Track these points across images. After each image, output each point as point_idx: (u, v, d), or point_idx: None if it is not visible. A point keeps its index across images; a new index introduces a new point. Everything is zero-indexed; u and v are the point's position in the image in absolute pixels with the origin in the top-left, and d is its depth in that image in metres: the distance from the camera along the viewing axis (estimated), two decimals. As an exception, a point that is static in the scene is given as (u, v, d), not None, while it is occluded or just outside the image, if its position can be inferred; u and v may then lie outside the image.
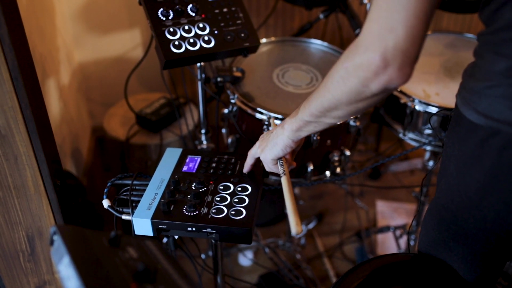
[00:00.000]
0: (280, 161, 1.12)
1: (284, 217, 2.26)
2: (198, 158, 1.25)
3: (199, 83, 1.58)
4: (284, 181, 1.07)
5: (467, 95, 0.94)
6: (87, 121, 2.57)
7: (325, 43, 1.85)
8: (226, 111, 1.61)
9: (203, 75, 1.56)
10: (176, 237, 1.49)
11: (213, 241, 1.19)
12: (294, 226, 0.94)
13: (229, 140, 1.64)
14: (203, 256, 2.03)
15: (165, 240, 1.70)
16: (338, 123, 1.49)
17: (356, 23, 1.92)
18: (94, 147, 2.55)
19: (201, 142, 1.72)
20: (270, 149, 1.12)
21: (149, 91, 2.54)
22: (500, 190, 0.93)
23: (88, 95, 2.55)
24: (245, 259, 2.12)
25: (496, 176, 0.93)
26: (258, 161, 1.21)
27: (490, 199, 0.95)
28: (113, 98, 2.45)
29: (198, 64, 1.52)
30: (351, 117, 1.54)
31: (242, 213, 1.06)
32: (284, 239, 2.16)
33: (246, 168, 1.21)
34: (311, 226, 2.29)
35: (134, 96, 2.32)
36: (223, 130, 1.74)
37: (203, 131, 1.71)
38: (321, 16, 2.04)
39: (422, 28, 0.80)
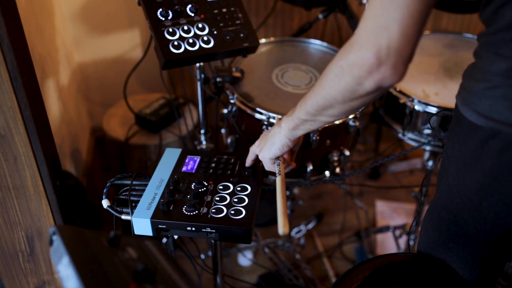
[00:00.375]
0: (278, 161, 1.13)
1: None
2: (197, 158, 1.25)
3: (199, 84, 1.58)
4: (278, 181, 1.09)
5: (467, 96, 0.94)
6: (86, 122, 2.57)
7: (324, 43, 1.85)
8: (225, 111, 1.61)
9: (202, 75, 1.56)
10: (175, 237, 1.49)
11: (212, 241, 1.19)
12: (282, 227, 0.97)
13: (229, 140, 1.64)
14: (202, 256, 2.03)
15: (164, 240, 1.70)
16: (335, 121, 1.49)
17: (355, 23, 1.93)
18: (94, 148, 2.55)
19: (201, 142, 1.72)
20: (268, 149, 1.12)
21: (148, 92, 2.54)
22: (500, 192, 0.93)
23: (88, 96, 2.55)
24: (245, 259, 2.12)
25: (496, 177, 0.92)
26: (258, 160, 1.21)
27: (490, 200, 0.95)
28: (112, 98, 2.45)
29: (197, 64, 1.52)
30: (350, 117, 1.54)
31: (241, 212, 1.07)
32: (283, 239, 2.16)
33: (248, 162, 1.22)
34: (310, 226, 2.29)
35: (133, 97, 2.32)
36: (223, 130, 1.74)
37: (202, 131, 1.71)
38: (320, 16, 2.04)
39: (417, 28, 0.80)
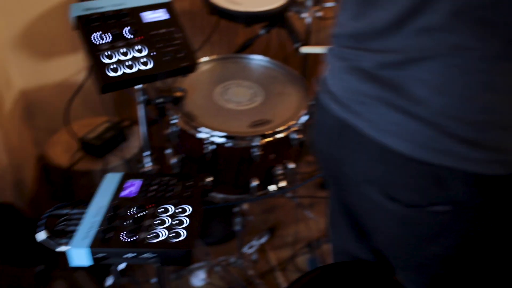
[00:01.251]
0: None
1: (234, 235, 2.25)
2: (139, 182, 1.24)
3: (139, 106, 1.56)
4: None
5: None
6: (31, 149, 2.51)
7: (266, 58, 1.88)
8: (169, 131, 1.60)
9: (145, 97, 1.55)
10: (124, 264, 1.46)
11: (155, 265, 1.18)
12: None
13: (173, 160, 1.63)
14: (153, 280, 2.00)
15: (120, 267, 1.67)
16: None
17: (295, 37, 1.96)
18: (40, 176, 2.49)
19: (144, 165, 1.70)
20: None
21: (95, 115, 2.50)
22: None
23: (32, 123, 2.49)
24: (197, 279, 2.10)
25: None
26: (198, 179, 1.20)
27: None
28: (58, 124, 2.39)
29: (138, 87, 1.51)
30: (292, 130, 1.56)
31: (181, 235, 1.06)
32: (236, 255, 2.16)
33: None
34: (263, 240, 2.29)
35: (78, 121, 2.28)
36: (168, 151, 1.73)
37: (146, 153, 1.69)
38: (262, 31, 2.07)
39: None
